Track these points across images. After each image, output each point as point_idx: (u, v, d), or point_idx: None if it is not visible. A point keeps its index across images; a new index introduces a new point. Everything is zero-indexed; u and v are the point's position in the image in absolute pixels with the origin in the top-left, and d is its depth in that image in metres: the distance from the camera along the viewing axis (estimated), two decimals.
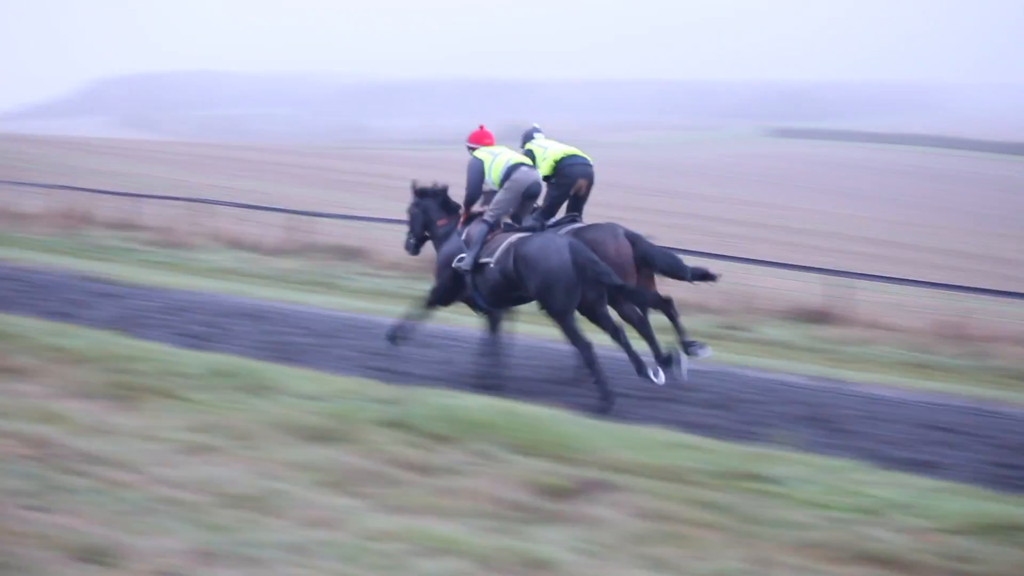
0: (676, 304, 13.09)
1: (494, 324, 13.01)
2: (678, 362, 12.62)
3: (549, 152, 13.32)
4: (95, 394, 8.36)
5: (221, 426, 7.63)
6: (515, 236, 12.46)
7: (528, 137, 13.79)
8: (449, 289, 13.07)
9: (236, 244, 26.79)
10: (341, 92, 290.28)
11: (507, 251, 12.33)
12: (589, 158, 13.39)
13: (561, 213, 13.39)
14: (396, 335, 13.31)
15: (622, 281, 12.11)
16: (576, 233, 12.79)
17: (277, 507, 6.18)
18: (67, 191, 34.10)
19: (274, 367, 10.15)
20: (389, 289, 21.47)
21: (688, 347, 12.85)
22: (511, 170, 12.89)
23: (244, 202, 31.95)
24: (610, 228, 12.87)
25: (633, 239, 12.82)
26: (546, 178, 13.25)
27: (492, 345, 12.97)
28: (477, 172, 13.10)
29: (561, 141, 13.70)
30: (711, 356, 13.05)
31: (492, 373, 12.63)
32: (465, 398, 8.93)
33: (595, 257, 12.00)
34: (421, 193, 13.67)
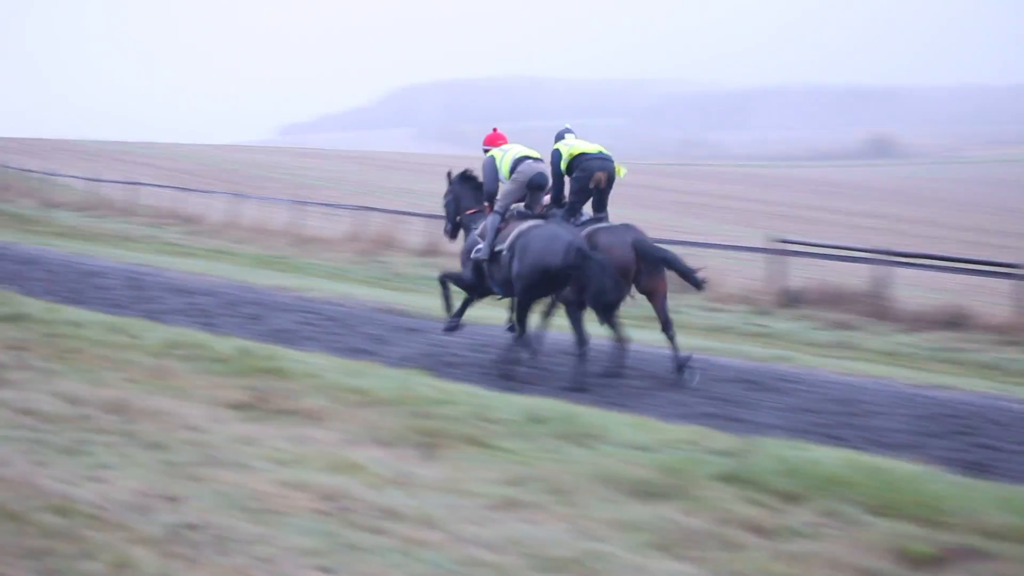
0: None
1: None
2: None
3: (571, 148, 15.45)
4: (395, 441, 8.62)
5: (537, 479, 7.75)
6: (525, 224, 14.74)
7: (559, 137, 15.89)
8: (474, 280, 15.42)
9: None
10: (677, 102, 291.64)
11: (515, 238, 14.59)
12: (607, 152, 15.56)
13: (588, 212, 15.60)
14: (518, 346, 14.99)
15: (613, 280, 14.00)
16: (590, 235, 14.85)
17: (599, 571, 6.24)
18: (366, 212, 35.16)
19: (597, 412, 10.28)
20: (730, 324, 21.43)
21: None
22: (518, 163, 15.38)
23: None
24: (620, 236, 14.94)
25: (640, 248, 14.83)
26: (567, 173, 15.47)
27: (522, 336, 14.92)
28: (491, 168, 15.70)
29: (591, 141, 15.86)
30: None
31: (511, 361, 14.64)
32: (816, 450, 8.86)
33: (596, 259, 13.93)
34: (455, 180, 16.31)
